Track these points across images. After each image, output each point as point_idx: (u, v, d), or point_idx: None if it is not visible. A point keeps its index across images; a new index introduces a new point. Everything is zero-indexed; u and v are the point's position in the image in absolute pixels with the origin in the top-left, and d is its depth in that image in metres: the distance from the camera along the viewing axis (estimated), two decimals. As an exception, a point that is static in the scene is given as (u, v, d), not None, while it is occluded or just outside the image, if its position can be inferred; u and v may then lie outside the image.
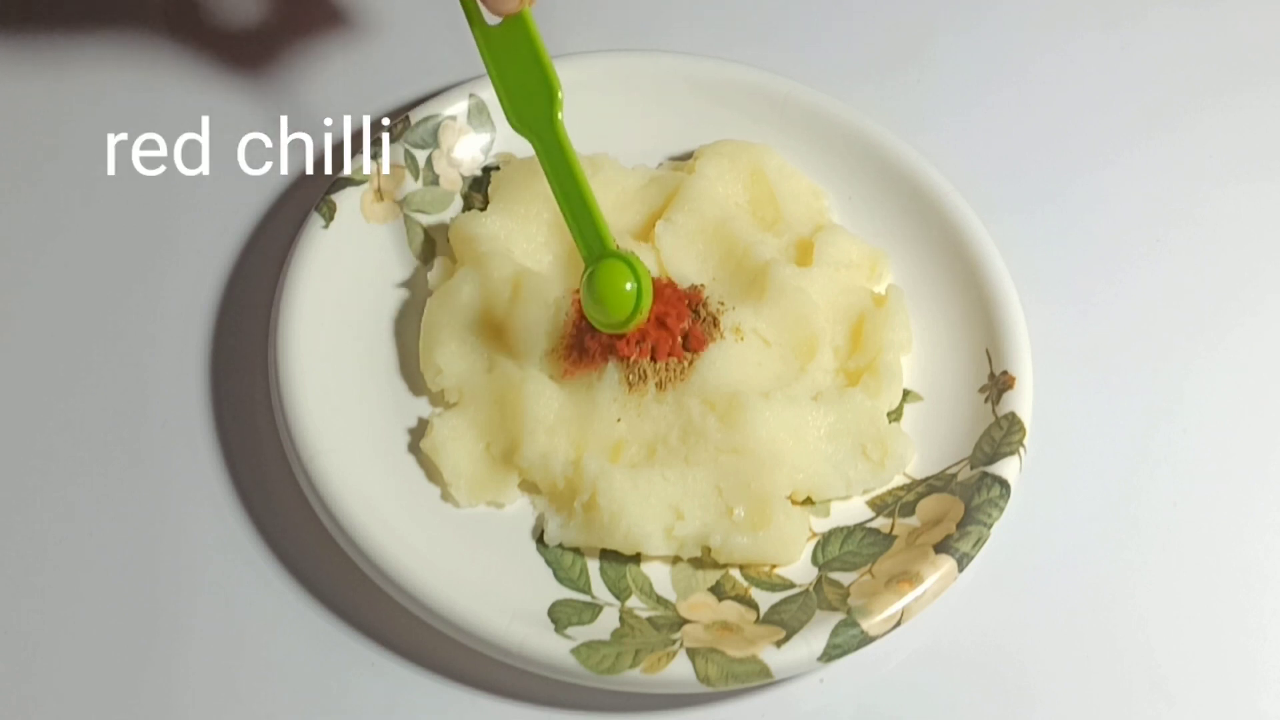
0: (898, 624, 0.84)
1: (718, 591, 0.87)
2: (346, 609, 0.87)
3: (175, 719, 0.84)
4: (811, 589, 0.87)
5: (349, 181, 0.97)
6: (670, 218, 0.97)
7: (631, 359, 0.90)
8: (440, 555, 0.86)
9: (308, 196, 1.00)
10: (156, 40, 1.08)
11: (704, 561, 0.88)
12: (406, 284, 0.97)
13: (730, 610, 0.86)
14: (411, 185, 0.99)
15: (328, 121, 1.05)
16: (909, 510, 0.90)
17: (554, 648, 0.82)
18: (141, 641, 0.85)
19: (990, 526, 0.87)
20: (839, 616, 0.83)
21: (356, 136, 1.04)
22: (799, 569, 0.88)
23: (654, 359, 0.90)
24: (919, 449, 0.92)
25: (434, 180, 1.00)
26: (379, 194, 0.97)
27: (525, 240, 0.97)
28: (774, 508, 0.87)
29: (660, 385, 0.90)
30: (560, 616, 0.85)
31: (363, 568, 0.85)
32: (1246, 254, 1.04)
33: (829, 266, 0.96)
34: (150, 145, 1.03)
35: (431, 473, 0.90)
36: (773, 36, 1.12)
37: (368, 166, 0.97)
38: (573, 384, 0.91)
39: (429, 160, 1.00)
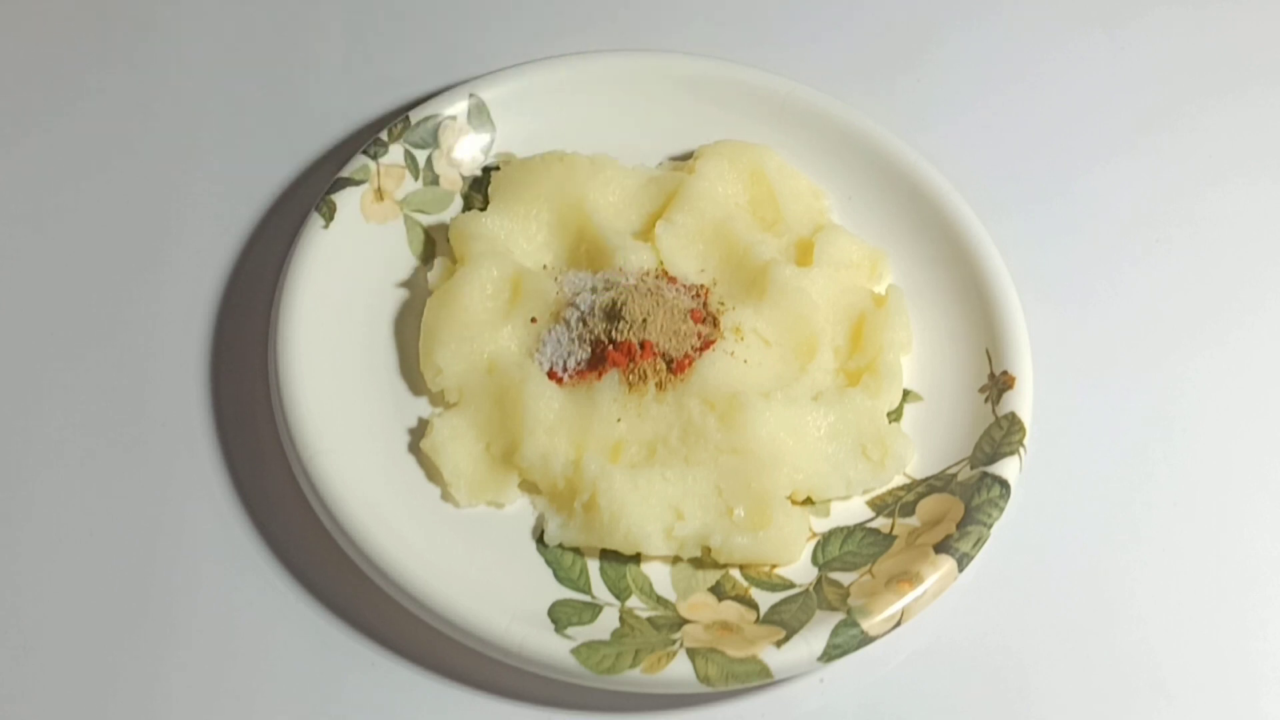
0: (898, 624, 0.84)
1: (718, 591, 0.87)
2: (346, 609, 0.87)
3: (175, 718, 0.84)
4: (811, 589, 0.87)
5: (349, 181, 0.97)
6: (670, 218, 0.97)
7: (630, 363, 0.90)
8: (440, 555, 0.86)
9: (308, 196, 1.00)
10: (158, 42, 1.08)
11: (704, 561, 0.88)
12: (406, 284, 0.97)
13: (730, 610, 0.86)
14: (411, 185, 0.99)
15: (328, 121, 1.06)
16: (909, 510, 0.90)
17: (554, 648, 0.82)
18: (141, 640, 0.85)
19: (990, 526, 0.87)
20: (839, 616, 0.83)
21: (357, 136, 1.05)
22: (799, 569, 0.88)
23: (643, 348, 0.90)
24: (919, 449, 0.92)
25: (434, 180, 1.00)
26: (379, 194, 0.97)
27: (525, 240, 0.97)
28: (774, 508, 0.87)
29: (660, 385, 0.90)
30: (560, 616, 0.85)
31: (363, 568, 0.85)
32: (1246, 254, 1.04)
33: (829, 266, 0.96)
34: (150, 146, 1.03)
35: (431, 473, 0.90)
36: (773, 36, 1.12)
37: (368, 166, 0.97)
38: (573, 384, 0.91)
39: (429, 160, 1.00)
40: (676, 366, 0.90)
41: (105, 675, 0.85)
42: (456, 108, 1.01)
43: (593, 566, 0.88)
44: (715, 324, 0.93)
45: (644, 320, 0.91)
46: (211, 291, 0.97)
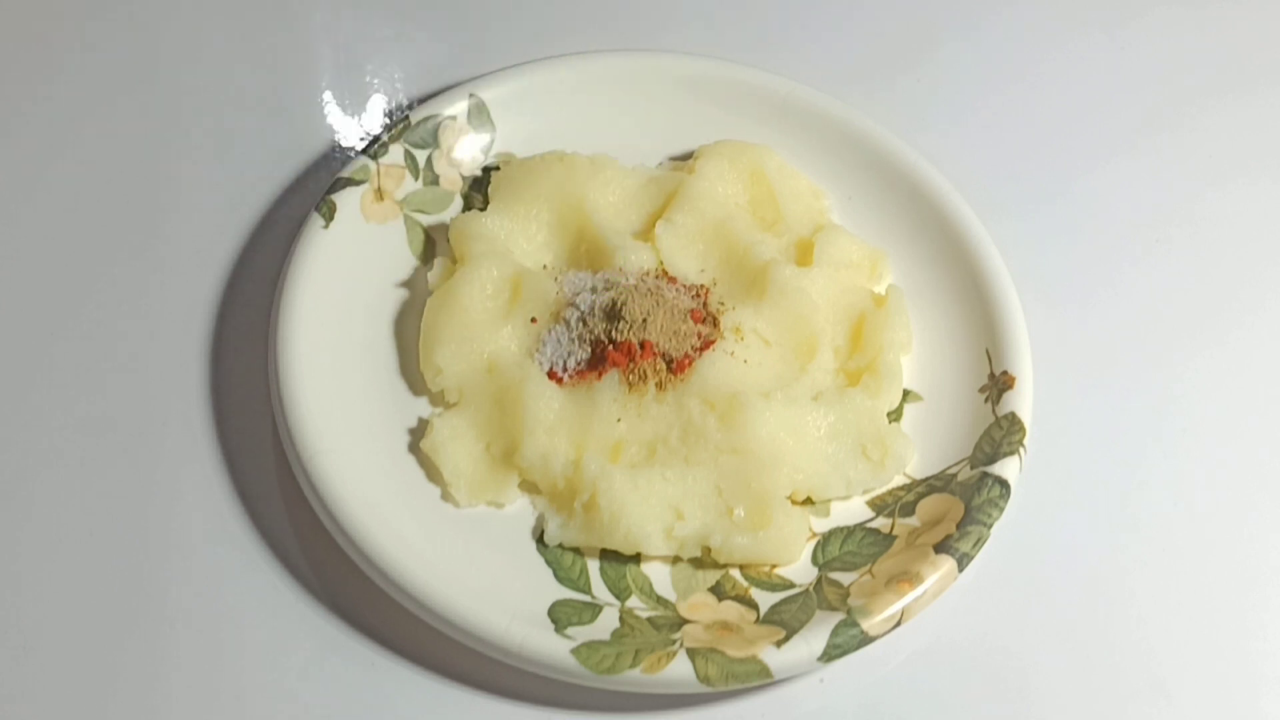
0: (898, 624, 0.84)
1: (718, 591, 0.87)
2: (346, 609, 0.87)
3: (175, 718, 0.84)
4: (811, 589, 0.87)
5: (349, 181, 0.97)
6: (670, 218, 0.97)
7: (631, 363, 0.90)
8: (440, 555, 0.86)
9: (308, 196, 1.00)
10: (159, 41, 1.08)
11: (704, 561, 0.88)
12: (406, 284, 0.97)
13: (730, 610, 0.86)
14: (411, 185, 0.99)
15: (328, 121, 1.06)
16: (909, 510, 0.90)
17: (554, 648, 0.82)
18: (141, 640, 0.85)
19: (990, 526, 0.87)
20: (839, 616, 0.83)
21: (357, 137, 1.05)
22: (799, 569, 0.88)
23: (643, 348, 0.90)
24: (919, 449, 0.92)
25: (434, 180, 1.00)
26: (379, 194, 0.97)
27: (525, 240, 0.97)
28: (774, 508, 0.87)
29: (660, 385, 0.90)
30: (560, 616, 0.85)
31: (363, 568, 0.85)
32: (1246, 254, 1.04)
33: (829, 266, 0.96)
34: (150, 146, 1.03)
35: (431, 473, 0.90)
36: (773, 36, 1.12)
37: (368, 166, 0.97)
38: (573, 384, 0.91)
39: (429, 160, 1.00)
40: (676, 366, 0.90)
41: (105, 675, 0.85)
42: (456, 108, 1.01)
43: (593, 566, 0.88)
44: (715, 324, 0.93)
45: (644, 320, 0.91)
46: (211, 291, 0.97)
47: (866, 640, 0.83)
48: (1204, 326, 1.00)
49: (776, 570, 0.88)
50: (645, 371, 0.90)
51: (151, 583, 0.87)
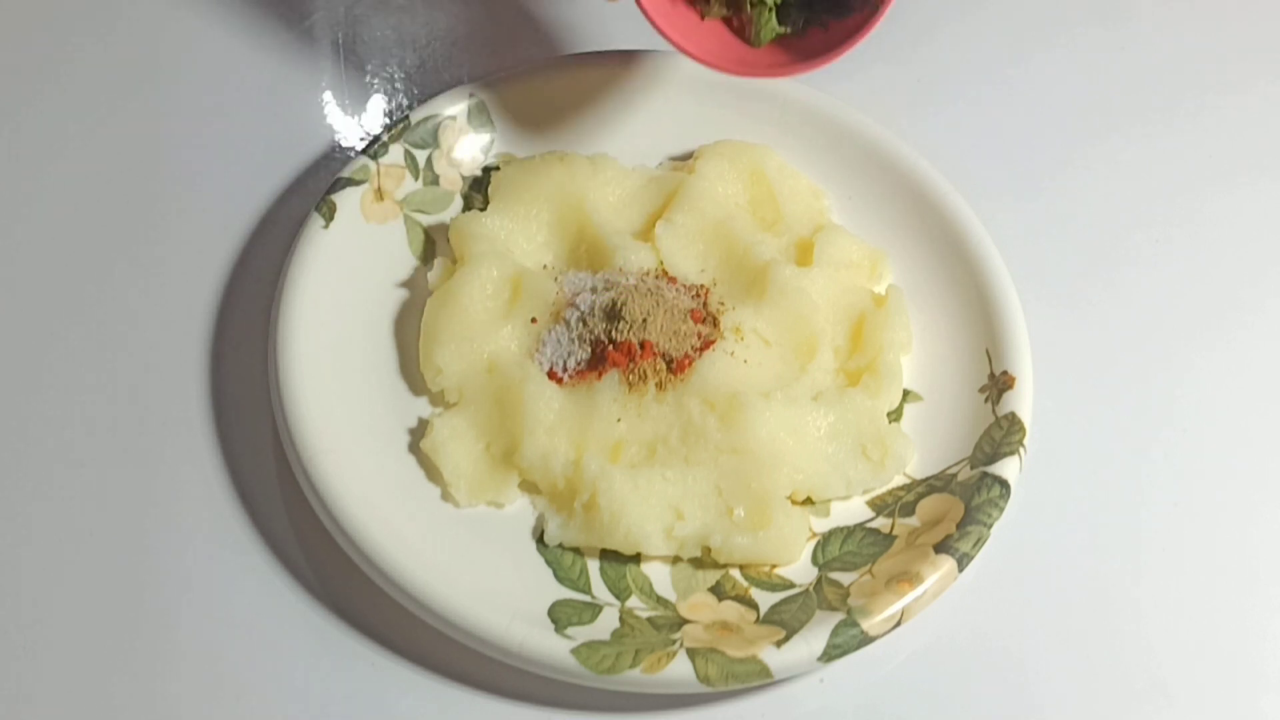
0: (898, 624, 0.84)
1: (718, 591, 0.87)
2: (346, 609, 0.87)
3: (175, 718, 0.84)
4: (811, 589, 0.87)
5: (349, 181, 0.97)
6: (670, 218, 0.97)
7: (631, 363, 0.90)
8: (440, 555, 0.86)
9: (308, 196, 1.00)
10: (160, 41, 1.08)
11: (704, 561, 0.88)
12: (406, 284, 0.97)
13: (730, 610, 0.86)
14: (411, 185, 0.99)
15: (328, 121, 1.06)
16: (909, 510, 0.90)
17: (554, 648, 0.82)
18: (141, 641, 0.85)
19: (990, 526, 0.87)
20: (839, 616, 0.83)
21: (357, 137, 1.05)
22: (799, 569, 0.88)
23: (643, 348, 0.90)
24: (919, 449, 0.92)
25: (434, 180, 1.00)
26: (379, 194, 0.97)
27: (525, 240, 0.97)
28: (774, 508, 0.87)
29: (660, 385, 0.90)
30: (560, 616, 0.85)
31: (363, 568, 0.85)
32: (1247, 254, 1.04)
33: (829, 266, 0.96)
34: (150, 145, 1.03)
35: (431, 473, 0.90)
36: (773, 36, 1.12)
37: (368, 166, 0.97)
38: (573, 384, 0.91)
39: (429, 160, 1.00)
40: (676, 366, 0.90)
41: (105, 675, 0.85)
42: (456, 108, 1.01)
43: (593, 566, 0.88)
44: (715, 324, 0.93)
45: (644, 320, 0.91)
46: (211, 291, 0.97)
47: (866, 640, 0.83)
48: (1204, 326, 1.00)
49: (776, 570, 0.88)
50: (645, 371, 0.90)
51: (151, 583, 0.87)
